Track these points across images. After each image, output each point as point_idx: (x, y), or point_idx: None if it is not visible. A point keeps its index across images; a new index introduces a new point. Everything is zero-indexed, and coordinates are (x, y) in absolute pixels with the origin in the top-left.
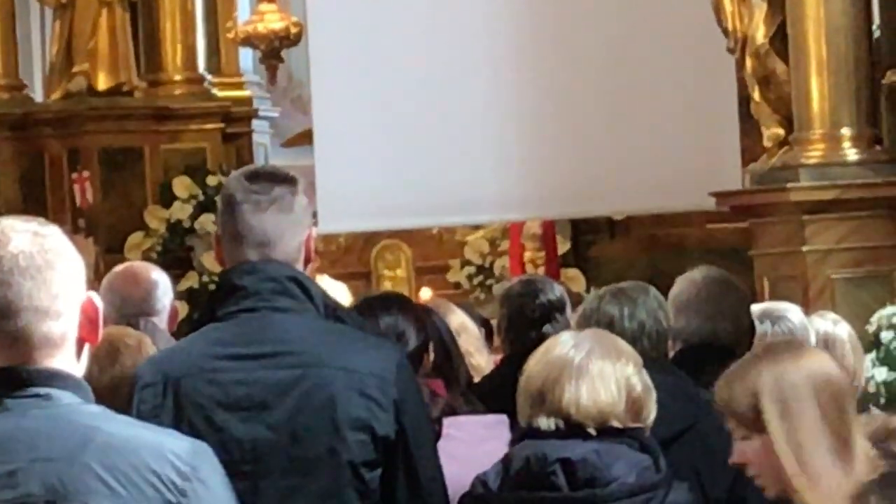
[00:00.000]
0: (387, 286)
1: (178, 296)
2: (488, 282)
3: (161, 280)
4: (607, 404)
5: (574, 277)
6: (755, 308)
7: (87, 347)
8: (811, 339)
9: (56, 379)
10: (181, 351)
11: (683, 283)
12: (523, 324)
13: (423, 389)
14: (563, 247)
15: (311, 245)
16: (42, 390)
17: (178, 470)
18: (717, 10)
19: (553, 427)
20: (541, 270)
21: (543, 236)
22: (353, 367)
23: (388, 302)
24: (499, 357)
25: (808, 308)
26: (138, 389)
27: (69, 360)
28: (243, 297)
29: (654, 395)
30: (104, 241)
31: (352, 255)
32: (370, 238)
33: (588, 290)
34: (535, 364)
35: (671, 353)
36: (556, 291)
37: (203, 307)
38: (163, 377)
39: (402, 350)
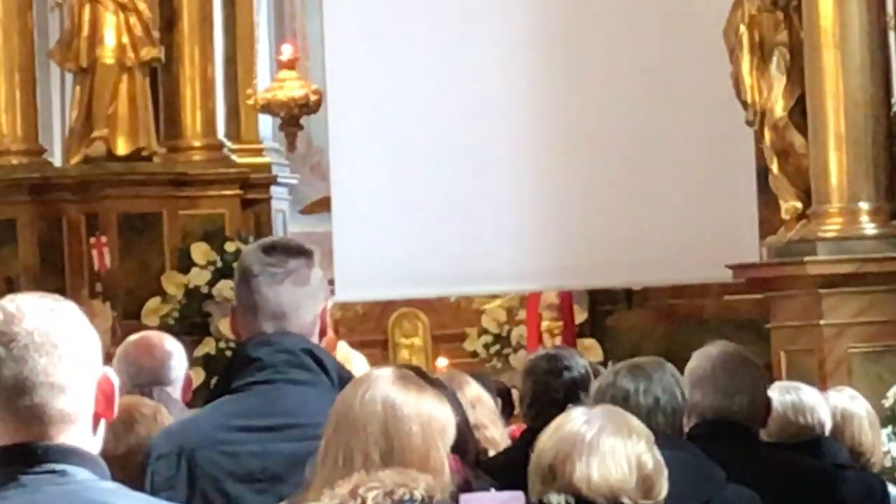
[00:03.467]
0: (404, 354)
1: (195, 362)
2: (505, 351)
3: (176, 350)
4: (618, 481)
5: (591, 347)
6: (774, 385)
7: (102, 423)
8: (824, 414)
9: (71, 455)
10: (196, 422)
11: (699, 358)
12: (546, 401)
13: None
14: (581, 316)
15: (326, 317)
16: (57, 466)
17: None
18: (737, 82)
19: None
20: (558, 340)
21: (561, 306)
22: None
23: None
24: (514, 427)
25: (824, 382)
26: (153, 460)
27: (84, 435)
28: (258, 370)
29: (665, 473)
30: (121, 306)
31: (369, 322)
32: (387, 306)
33: (605, 360)
34: (547, 440)
35: (686, 429)
36: (581, 367)
37: (218, 379)
38: (177, 448)
39: None
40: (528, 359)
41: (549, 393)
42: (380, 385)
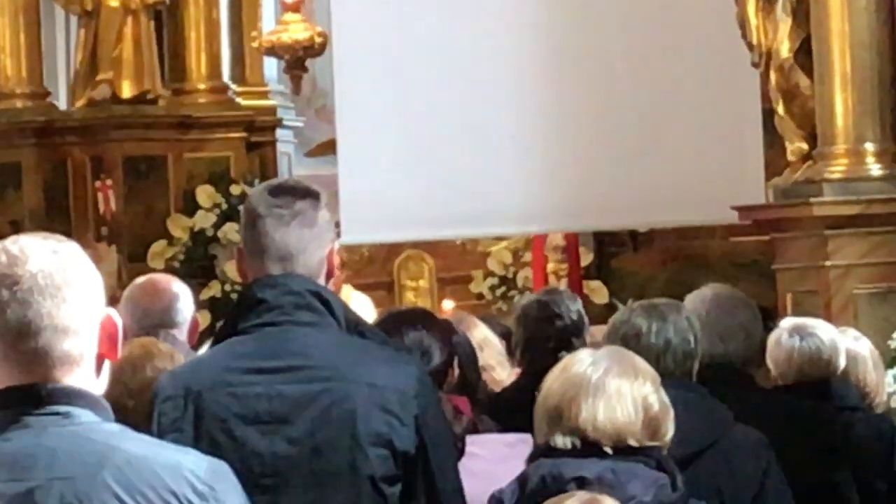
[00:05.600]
0: (409, 297)
1: (201, 305)
2: (511, 293)
3: (182, 292)
4: (624, 423)
5: (597, 289)
6: (785, 322)
7: (106, 364)
8: (840, 358)
9: (75, 397)
10: (202, 364)
11: (694, 301)
12: (538, 349)
13: (445, 406)
14: (587, 259)
15: (333, 259)
16: (61, 408)
17: (196, 489)
18: (742, 24)
19: (569, 445)
20: (563, 282)
21: (567, 248)
22: (373, 381)
23: (413, 318)
24: (519, 369)
25: (830, 323)
26: (159, 402)
27: (88, 377)
28: (265, 311)
29: (671, 414)
30: (127, 249)
31: (375, 265)
32: (393, 248)
33: (610, 302)
34: (553, 382)
35: None
36: (574, 313)
37: (224, 320)
38: (184, 390)
39: (423, 365)
40: (520, 304)
41: (540, 340)
42: None
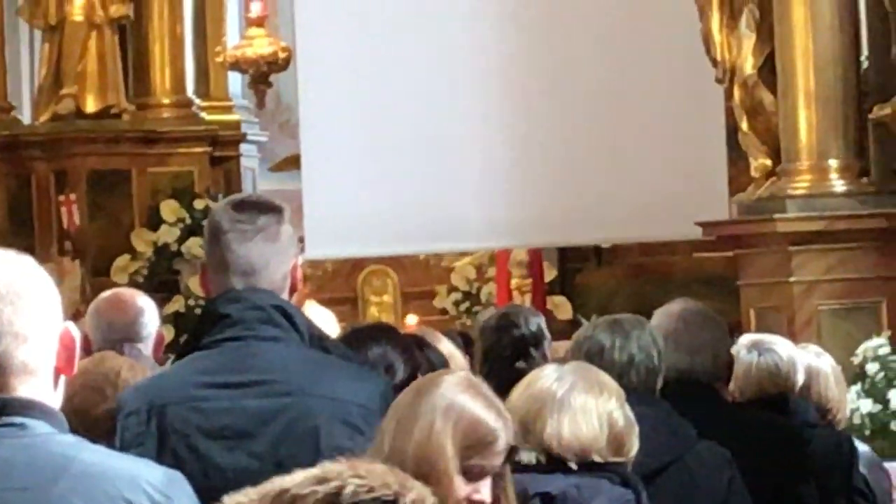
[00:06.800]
0: (373, 312)
1: (164, 319)
2: (475, 308)
3: (147, 306)
4: (589, 438)
5: (560, 305)
6: (744, 338)
7: (62, 379)
8: (799, 374)
9: (31, 408)
10: (166, 379)
11: (661, 316)
12: (496, 358)
13: None
14: (550, 274)
15: (296, 274)
16: (17, 419)
17: (153, 499)
18: (707, 40)
19: (534, 461)
20: (527, 297)
21: (530, 263)
22: (336, 396)
23: (376, 333)
24: None
25: (793, 339)
26: (122, 417)
27: (45, 389)
28: (228, 326)
29: (636, 430)
30: (91, 263)
31: (338, 280)
32: (357, 263)
33: (574, 317)
34: (518, 397)
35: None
36: (533, 325)
37: (188, 335)
38: (147, 405)
39: (387, 380)
40: (482, 318)
41: (497, 350)
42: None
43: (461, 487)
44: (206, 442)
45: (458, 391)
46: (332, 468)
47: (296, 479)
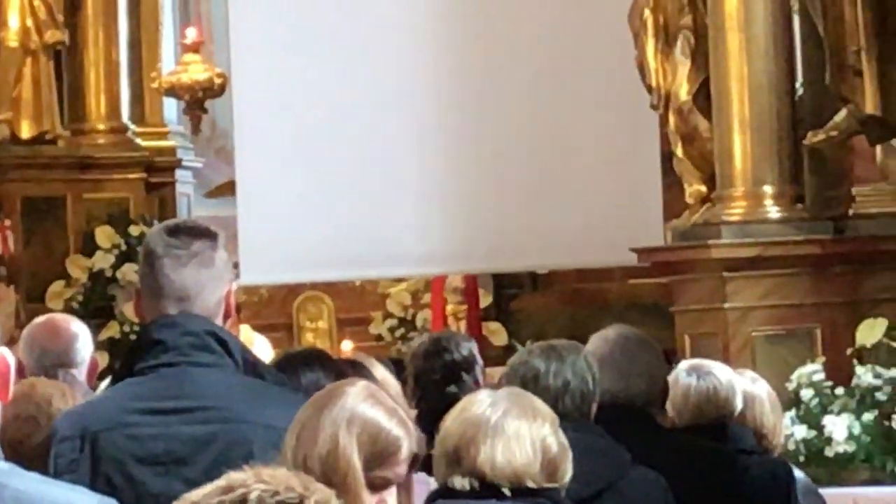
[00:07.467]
0: (308, 338)
1: (99, 345)
2: (410, 335)
3: (81, 332)
4: (522, 464)
5: (496, 331)
6: (683, 363)
7: None
8: (737, 399)
9: None
10: (99, 405)
11: (597, 342)
12: (426, 383)
13: None
14: (486, 300)
15: (231, 300)
16: None
17: None
18: (641, 66)
19: (468, 487)
20: (463, 323)
21: (466, 290)
22: (271, 422)
23: (309, 358)
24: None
25: (729, 365)
26: (56, 443)
27: None
28: (162, 352)
29: (570, 456)
30: (25, 289)
31: (273, 306)
32: (292, 289)
33: (509, 343)
34: (452, 423)
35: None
36: (464, 350)
37: (122, 361)
38: (80, 431)
39: None
40: (414, 344)
41: (429, 375)
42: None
43: (367, 499)
44: (139, 468)
45: (359, 401)
46: (237, 477)
47: (203, 492)
